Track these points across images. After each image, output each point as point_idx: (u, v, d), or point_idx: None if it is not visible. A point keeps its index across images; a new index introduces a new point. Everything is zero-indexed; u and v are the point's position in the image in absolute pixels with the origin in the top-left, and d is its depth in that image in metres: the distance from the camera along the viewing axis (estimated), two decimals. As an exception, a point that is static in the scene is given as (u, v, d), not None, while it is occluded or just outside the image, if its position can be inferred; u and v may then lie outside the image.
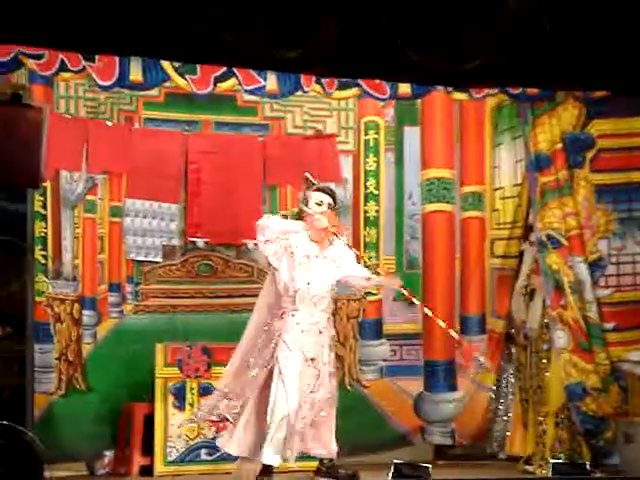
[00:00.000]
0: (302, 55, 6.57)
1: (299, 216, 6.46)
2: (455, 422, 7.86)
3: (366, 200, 8.05)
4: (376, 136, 8.12)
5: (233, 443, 6.21)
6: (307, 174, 6.53)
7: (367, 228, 8.05)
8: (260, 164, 7.88)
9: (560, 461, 6.43)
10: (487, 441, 7.84)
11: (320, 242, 6.31)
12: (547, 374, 7.17)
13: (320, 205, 6.40)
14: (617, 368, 7.08)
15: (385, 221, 8.07)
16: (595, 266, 7.20)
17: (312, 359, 6.21)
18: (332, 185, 6.98)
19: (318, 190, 6.46)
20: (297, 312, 6.21)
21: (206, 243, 7.84)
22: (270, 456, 6.06)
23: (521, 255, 7.63)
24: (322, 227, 6.25)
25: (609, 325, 7.11)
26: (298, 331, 6.18)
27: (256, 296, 7.76)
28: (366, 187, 8.05)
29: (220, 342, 7.30)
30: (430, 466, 6.04)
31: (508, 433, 7.62)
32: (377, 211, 8.09)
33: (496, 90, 7.16)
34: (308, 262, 6.26)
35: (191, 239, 7.78)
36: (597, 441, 7.06)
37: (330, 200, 6.43)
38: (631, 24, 5.97)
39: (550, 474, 6.24)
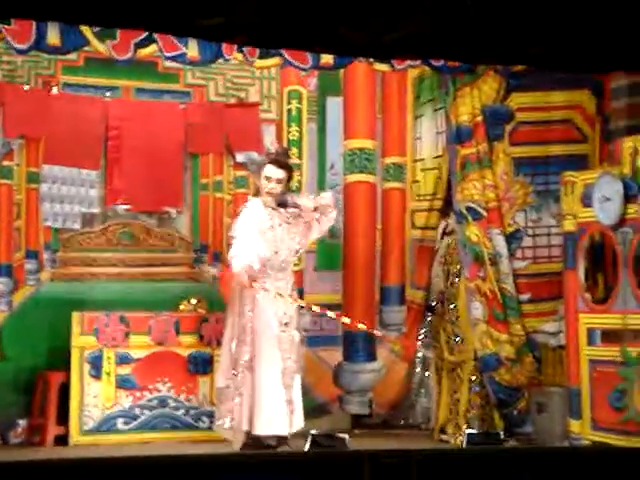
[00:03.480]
0: (224, 23, 6.47)
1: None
2: (373, 392, 7.92)
3: (288, 170, 7.99)
4: (299, 105, 8.10)
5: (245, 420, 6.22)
6: (273, 142, 6.44)
7: (290, 197, 8.03)
8: (182, 131, 7.83)
9: (474, 431, 6.48)
10: (409, 412, 7.92)
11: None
12: (458, 341, 7.25)
13: (268, 180, 6.38)
14: (531, 339, 7.17)
15: (307, 191, 8.05)
16: (512, 238, 7.24)
17: (286, 323, 6.29)
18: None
19: (271, 162, 6.42)
20: (267, 279, 6.23)
21: (127, 211, 7.76)
22: (264, 427, 6.14)
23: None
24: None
25: (524, 296, 7.19)
26: (270, 297, 6.21)
27: (177, 265, 7.87)
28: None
29: (139, 311, 7.27)
30: (347, 436, 6.03)
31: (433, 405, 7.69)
32: (299, 181, 8.07)
33: (418, 62, 7.15)
34: (272, 232, 6.31)
35: (111, 206, 7.70)
36: (510, 411, 7.14)
37: (280, 175, 6.38)
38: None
39: (464, 444, 6.28)
